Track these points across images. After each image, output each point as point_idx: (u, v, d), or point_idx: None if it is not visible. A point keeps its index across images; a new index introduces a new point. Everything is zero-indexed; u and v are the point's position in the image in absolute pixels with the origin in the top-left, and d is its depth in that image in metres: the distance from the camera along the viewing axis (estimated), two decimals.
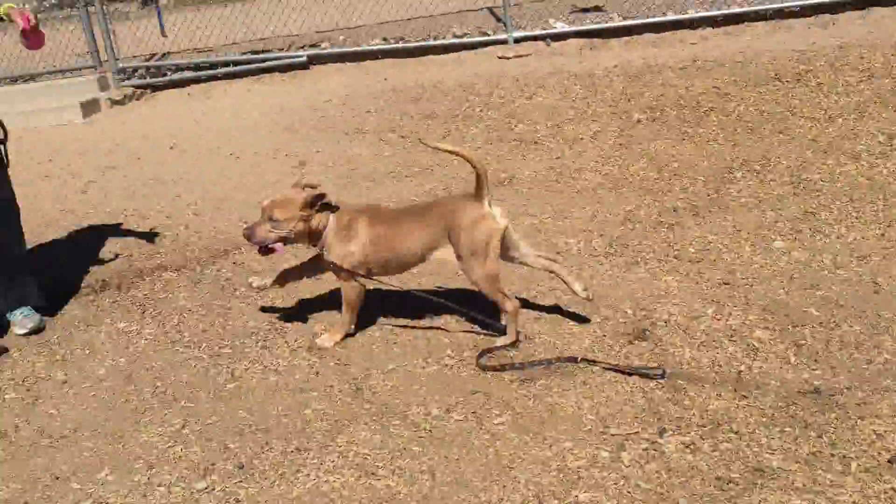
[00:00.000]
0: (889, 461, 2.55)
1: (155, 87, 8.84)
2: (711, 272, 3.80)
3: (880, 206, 4.23)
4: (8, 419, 3.23)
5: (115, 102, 8.53)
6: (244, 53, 8.86)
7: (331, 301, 3.81)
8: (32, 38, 3.87)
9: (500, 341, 3.39)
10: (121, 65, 8.88)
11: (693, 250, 4.01)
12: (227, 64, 8.77)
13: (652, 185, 4.79)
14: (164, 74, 8.98)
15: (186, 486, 2.77)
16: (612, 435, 2.80)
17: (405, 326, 3.60)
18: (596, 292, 3.66)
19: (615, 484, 2.58)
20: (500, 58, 7.68)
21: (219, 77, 8.69)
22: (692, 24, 7.51)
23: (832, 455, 2.60)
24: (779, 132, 5.24)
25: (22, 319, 3.86)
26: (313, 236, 3.44)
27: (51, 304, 4.03)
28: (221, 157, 6.17)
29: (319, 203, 3.40)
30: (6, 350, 3.71)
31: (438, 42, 8.09)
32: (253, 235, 3.41)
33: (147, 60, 9.23)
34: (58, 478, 2.86)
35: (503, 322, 3.42)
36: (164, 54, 9.50)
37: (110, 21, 8.84)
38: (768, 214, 4.29)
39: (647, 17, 7.63)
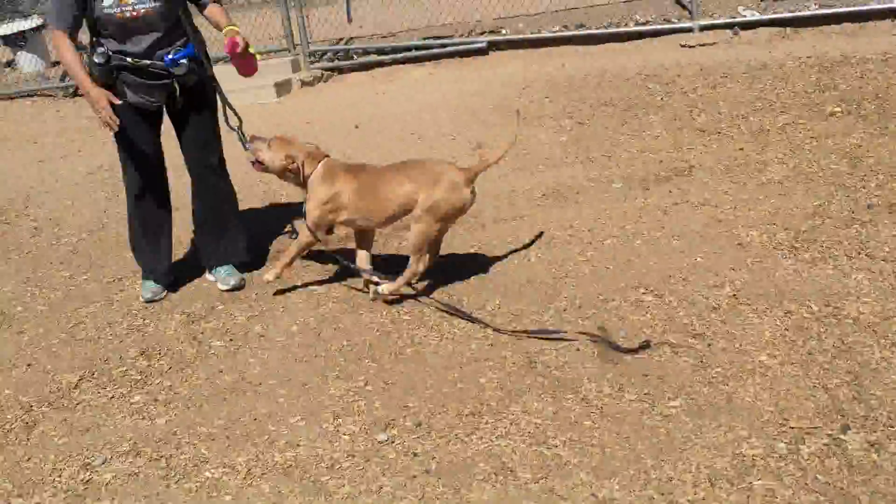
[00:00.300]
0: None
1: (341, 70, 9.28)
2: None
3: None
4: (214, 364, 3.57)
5: (304, 83, 9.05)
6: (425, 39, 9.14)
7: (492, 277, 3.93)
8: (241, 63, 4.00)
9: (383, 287, 3.84)
10: (312, 48, 9.39)
11: (888, 249, 3.80)
12: (409, 49, 9.07)
13: (844, 180, 4.56)
14: (351, 58, 9.41)
15: (369, 436, 2.97)
16: (792, 428, 2.74)
17: (580, 306, 3.65)
18: (778, 286, 3.57)
19: (792, 475, 2.53)
20: (683, 46, 7.51)
21: (401, 61, 9.00)
22: None
23: None
24: None
25: (225, 276, 4.23)
26: (296, 179, 3.90)
27: (251, 263, 4.38)
28: (403, 136, 6.42)
29: (305, 158, 3.86)
30: None
31: (620, 29, 8.01)
32: (253, 143, 3.91)
33: (335, 44, 9.70)
34: (256, 419, 3.15)
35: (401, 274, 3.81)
36: (350, 39, 9.95)
37: (304, 7, 9.37)
38: None
39: (848, 6, 7.20)
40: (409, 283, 3.83)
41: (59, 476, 2.94)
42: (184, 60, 3.86)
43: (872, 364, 3.02)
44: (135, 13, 3.72)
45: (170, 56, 3.83)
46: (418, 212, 3.67)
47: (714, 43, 7.42)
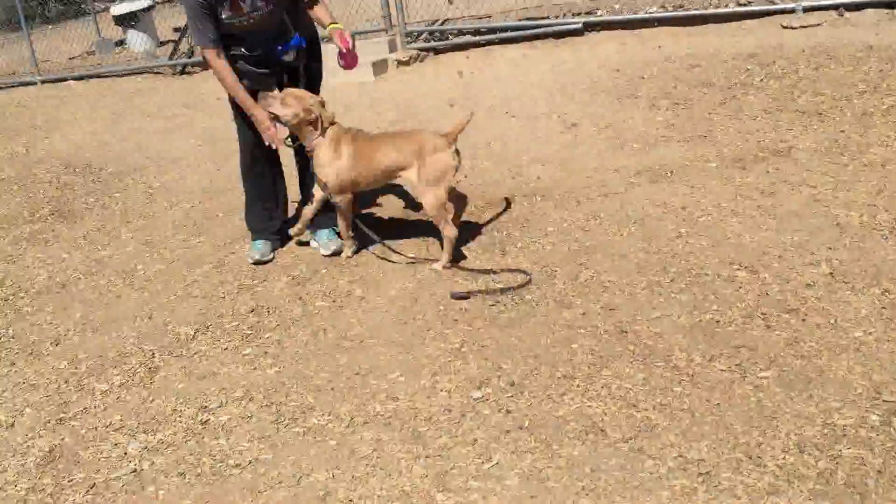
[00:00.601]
0: None
1: (437, 51, 9.42)
2: None
3: None
4: (318, 323, 3.78)
5: (401, 63, 9.24)
6: (520, 20, 9.19)
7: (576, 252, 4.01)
8: (348, 58, 4.25)
9: (437, 265, 4.09)
10: (409, 28, 9.57)
11: None
12: (504, 29, 9.14)
13: None
14: (447, 38, 9.54)
15: (464, 394, 3.12)
16: (885, 401, 2.76)
17: (672, 280, 3.71)
18: (877, 266, 3.55)
19: (883, 445, 2.56)
20: (784, 27, 7.35)
21: (496, 42, 9.08)
22: None
23: None
24: None
25: (327, 242, 4.44)
26: (304, 135, 4.14)
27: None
28: (498, 115, 6.53)
29: (315, 116, 4.09)
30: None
31: (720, 10, 7.89)
32: (266, 98, 4.10)
33: (431, 25, 9.86)
34: (357, 373, 3.34)
35: (443, 248, 4.11)
36: (446, 20, 10.08)
37: None
38: None
39: None
40: (454, 249, 4.12)
41: (180, 416, 3.20)
42: (291, 51, 4.19)
43: None
44: (250, 19, 4.06)
45: (279, 47, 4.15)
46: (417, 184, 4.03)
47: (818, 24, 7.24)
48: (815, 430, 2.67)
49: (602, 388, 3.05)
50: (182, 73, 10.92)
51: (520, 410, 2.99)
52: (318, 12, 4.28)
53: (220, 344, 3.69)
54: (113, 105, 9.68)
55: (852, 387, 2.86)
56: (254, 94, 4.17)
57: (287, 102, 4.07)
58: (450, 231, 4.05)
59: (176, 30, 12.82)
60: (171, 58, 11.24)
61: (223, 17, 4.02)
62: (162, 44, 13.31)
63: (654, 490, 2.53)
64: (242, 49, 4.16)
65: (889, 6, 7.12)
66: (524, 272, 3.89)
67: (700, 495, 2.49)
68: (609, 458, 2.70)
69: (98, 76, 11.76)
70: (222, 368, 3.49)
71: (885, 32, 6.72)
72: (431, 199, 4.02)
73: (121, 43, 13.74)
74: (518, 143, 5.85)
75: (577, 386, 3.08)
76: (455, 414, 3.01)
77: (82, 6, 18.13)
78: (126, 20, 13.12)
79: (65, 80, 11.84)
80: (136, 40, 13.18)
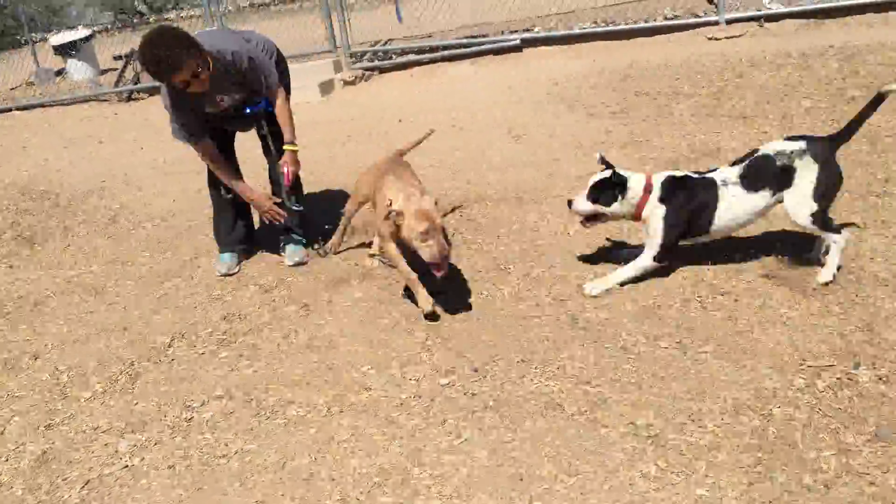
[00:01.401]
0: None
1: (382, 70, 9.72)
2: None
3: None
4: (288, 326, 3.99)
5: (347, 83, 9.52)
6: (461, 38, 9.54)
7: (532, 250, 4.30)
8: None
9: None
10: (353, 49, 9.85)
11: None
12: (446, 48, 9.49)
13: (864, 157, 4.88)
14: (390, 58, 9.85)
15: (432, 381, 3.37)
16: (809, 366, 3.10)
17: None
18: (801, 249, 3.92)
19: (808, 403, 2.89)
20: (710, 39, 7.83)
21: (438, 60, 9.43)
22: None
23: None
24: None
25: (291, 253, 4.66)
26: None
27: (312, 244, 4.81)
28: (447, 128, 6.83)
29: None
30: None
31: (649, 24, 8.35)
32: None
33: (374, 45, 10.15)
34: (331, 368, 3.56)
35: None
36: (388, 40, 10.39)
37: (346, 11, 9.83)
38: None
39: None
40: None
41: (165, 416, 3.38)
42: (259, 111, 4.47)
43: (883, 314, 3.36)
44: (224, 107, 4.34)
45: (247, 109, 4.42)
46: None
47: (740, 35, 7.73)
48: (748, 394, 2.99)
49: (558, 369, 3.33)
50: (129, 99, 11.00)
51: (484, 393, 3.25)
52: (279, 117, 4.44)
53: (197, 350, 3.88)
54: (62, 133, 9.73)
55: (781, 356, 3.19)
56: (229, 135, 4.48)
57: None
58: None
59: (117, 58, 12.90)
60: (116, 85, 11.31)
61: (206, 110, 4.28)
62: (103, 72, 13.34)
63: (608, 453, 2.82)
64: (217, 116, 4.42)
65: (806, 17, 7.65)
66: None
67: (649, 454, 2.78)
68: (567, 428, 2.97)
69: (42, 105, 11.75)
70: (200, 371, 3.68)
71: (802, 41, 7.23)
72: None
73: (60, 72, 13.72)
74: (469, 153, 6.15)
75: (535, 369, 3.35)
76: (425, 399, 3.26)
77: (17, 37, 18.00)
78: (66, 50, 13.14)
79: (9, 110, 11.81)
80: (77, 69, 13.19)
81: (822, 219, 3.60)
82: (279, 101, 4.38)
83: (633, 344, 3.43)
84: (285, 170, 4.43)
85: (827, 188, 3.58)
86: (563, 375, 3.29)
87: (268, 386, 3.49)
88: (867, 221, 4.14)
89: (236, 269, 4.68)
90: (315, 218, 4.97)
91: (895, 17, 7.27)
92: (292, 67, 4.76)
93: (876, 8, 7.39)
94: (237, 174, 4.50)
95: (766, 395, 2.98)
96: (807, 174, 3.58)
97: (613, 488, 2.66)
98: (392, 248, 3.87)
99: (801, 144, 3.62)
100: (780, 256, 3.89)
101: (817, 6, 7.63)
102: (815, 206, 3.57)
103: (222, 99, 4.26)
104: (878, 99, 3.57)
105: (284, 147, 4.41)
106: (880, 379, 2.96)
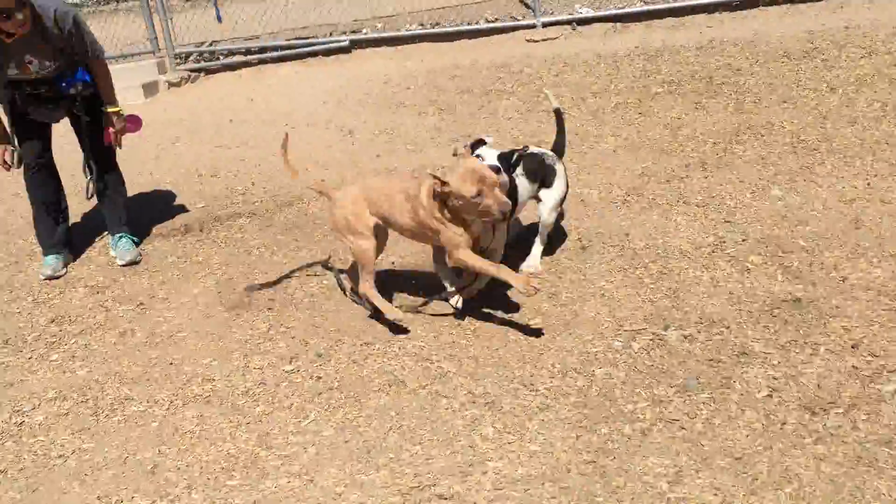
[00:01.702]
0: (852, 346, 3.13)
1: (208, 71, 9.52)
2: (716, 214, 4.37)
3: (869, 161, 4.76)
4: (124, 325, 3.90)
5: (172, 84, 9.25)
6: (289, 40, 9.52)
7: None
8: (127, 128, 4.55)
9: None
10: (177, 50, 9.58)
11: (700, 197, 4.58)
12: (275, 49, 9.44)
13: (667, 146, 5.36)
14: (217, 59, 9.66)
15: (276, 368, 3.42)
16: (625, 331, 3.41)
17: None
18: (613, 230, 4.27)
19: (625, 363, 3.19)
20: (528, 41, 8.26)
21: (267, 61, 9.35)
22: (709, 8, 8.04)
23: (805, 343, 3.18)
24: (783, 101, 5.78)
25: (122, 252, 4.54)
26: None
27: (146, 243, 4.70)
28: (277, 127, 6.82)
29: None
30: None
31: (472, 27, 8.70)
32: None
33: (199, 46, 9.92)
34: (171, 363, 3.53)
35: None
36: (214, 41, 10.18)
37: (168, 11, 9.55)
38: (769, 169, 4.84)
39: (668, 2, 8.17)
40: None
41: None
42: (76, 84, 4.29)
43: (687, 282, 3.74)
44: (37, 76, 4.17)
45: (63, 83, 4.25)
46: None
47: (556, 37, 8.21)
48: (573, 358, 3.26)
49: (399, 349, 3.47)
50: None
51: (329, 376, 3.34)
52: (97, 78, 4.35)
53: (24, 354, 3.71)
54: None
55: (600, 323, 3.49)
56: (45, 127, 4.30)
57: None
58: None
59: None
60: None
61: (10, 74, 4.09)
62: None
63: (450, 421, 2.99)
64: (28, 88, 4.22)
65: (613, 21, 8.24)
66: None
67: (487, 419, 2.97)
68: (410, 402, 3.12)
69: None
70: (30, 376, 3.53)
71: (611, 42, 7.79)
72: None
73: None
74: (300, 150, 6.18)
75: (377, 350, 3.48)
76: (270, 386, 3.30)
77: None
78: None
79: None
80: None
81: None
82: (103, 70, 4.30)
83: (468, 321, 3.62)
84: (111, 130, 4.36)
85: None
86: (405, 354, 3.43)
87: (104, 385, 3.40)
88: (671, 202, 4.56)
89: (62, 272, 4.49)
90: (142, 217, 4.86)
91: (690, 21, 7.98)
92: (113, 69, 4.64)
93: (672, 13, 8.08)
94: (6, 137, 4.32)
95: (588, 358, 3.25)
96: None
97: (455, 452, 2.83)
98: (468, 253, 3.39)
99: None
100: (594, 234, 4.23)
101: (623, 10, 8.24)
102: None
103: (31, 62, 4.08)
104: (558, 112, 4.14)
105: (108, 109, 4.35)
106: (685, 338, 3.31)
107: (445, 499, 2.62)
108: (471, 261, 3.38)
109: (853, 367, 3.03)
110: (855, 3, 7.70)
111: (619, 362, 3.21)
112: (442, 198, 3.34)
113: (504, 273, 3.34)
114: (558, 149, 4.18)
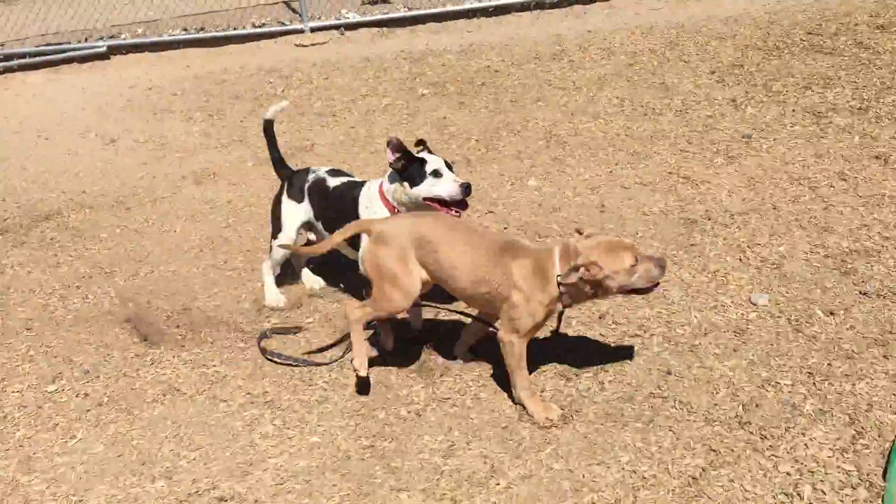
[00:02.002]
0: (600, 317, 3.46)
1: None
2: (480, 205, 4.64)
3: (610, 152, 5.25)
4: None
5: None
6: (38, 46, 8.87)
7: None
8: None
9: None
10: None
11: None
12: (22, 56, 8.75)
13: (434, 144, 5.55)
14: None
15: (38, 389, 3.24)
16: None
17: (225, 261, 4.16)
18: None
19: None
20: (297, 45, 8.27)
21: (14, 69, 8.66)
22: (468, 14, 8.46)
23: None
24: (537, 100, 6.22)
25: None
26: None
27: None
28: (30, 138, 6.37)
29: None
30: None
31: (239, 32, 8.56)
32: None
33: None
34: None
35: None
36: None
37: None
38: (525, 162, 5.21)
39: (430, 9, 8.51)
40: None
41: None
42: None
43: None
44: None
45: None
46: None
47: (325, 42, 8.28)
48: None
49: (174, 357, 3.40)
50: None
51: (97, 391, 3.20)
52: None
53: None
54: None
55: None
56: None
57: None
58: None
59: None
60: None
61: None
62: None
63: (229, 423, 2.98)
64: None
65: (379, 25, 8.45)
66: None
67: (267, 417, 3.00)
68: (187, 409, 3.07)
69: None
70: None
71: (378, 47, 7.98)
72: None
73: None
74: (56, 162, 5.82)
75: (150, 361, 3.38)
76: (31, 408, 3.12)
77: None
78: None
79: None
80: None
81: None
82: None
83: (247, 324, 3.62)
84: None
85: None
86: (180, 362, 3.37)
87: None
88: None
89: None
90: None
91: (452, 26, 8.35)
92: None
93: (434, 18, 8.43)
94: None
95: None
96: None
97: (235, 453, 2.82)
98: (522, 345, 2.92)
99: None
100: None
101: (389, 16, 8.47)
102: None
103: None
104: (268, 123, 3.97)
105: None
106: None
107: (225, 500, 2.61)
108: (516, 359, 2.91)
109: (600, 334, 3.36)
110: (594, 10, 8.42)
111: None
112: (594, 281, 2.81)
113: (535, 401, 2.93)
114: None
